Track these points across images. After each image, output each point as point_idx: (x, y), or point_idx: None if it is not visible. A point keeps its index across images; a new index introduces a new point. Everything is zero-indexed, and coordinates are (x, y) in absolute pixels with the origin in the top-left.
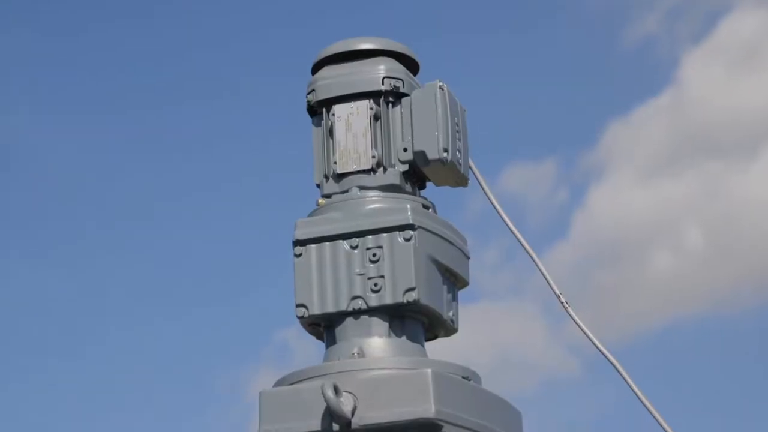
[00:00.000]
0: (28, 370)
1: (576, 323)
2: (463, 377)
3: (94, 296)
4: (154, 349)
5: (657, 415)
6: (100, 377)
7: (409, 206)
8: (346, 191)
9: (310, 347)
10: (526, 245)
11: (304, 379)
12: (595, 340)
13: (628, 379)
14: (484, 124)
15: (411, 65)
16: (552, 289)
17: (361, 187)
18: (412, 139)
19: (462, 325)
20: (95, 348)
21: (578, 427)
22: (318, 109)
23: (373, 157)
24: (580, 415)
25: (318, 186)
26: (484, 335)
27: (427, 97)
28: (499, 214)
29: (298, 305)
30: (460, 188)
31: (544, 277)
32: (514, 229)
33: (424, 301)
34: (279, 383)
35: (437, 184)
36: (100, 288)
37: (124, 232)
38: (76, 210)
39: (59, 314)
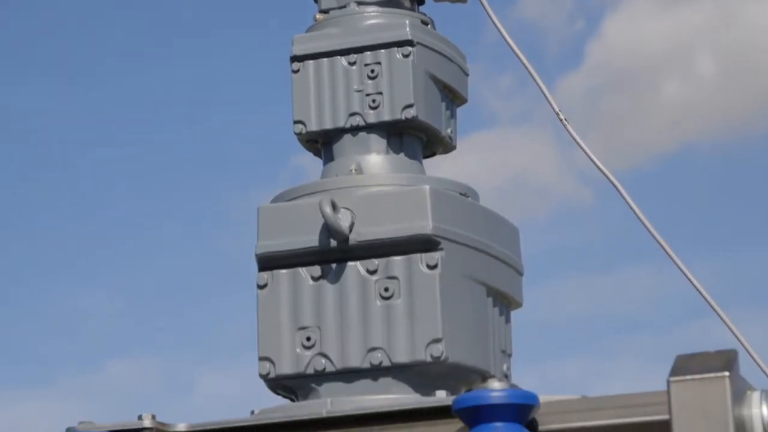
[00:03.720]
0: (24, 179)
1: (573, 139)
2: (461, 194)
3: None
4: (161, 168)
5: (656, 234)
6: (94, 194)
7: (407, 22)
8: (344, 6)
9: None
10: (519, 54)
11: (302, 195)
12: (592, 156)
13: (624, 194)
14: None
15: None
16: (551, 105)
17: (359, 2)
18: None
19: (475, 149)
20: (89, 162)
21: (586, 251)
22: None
23: None
24: (588, 241)
25: (315, 1)
26: (497, 160)
27: None
28: (490, 17)
29: (296, 122)
30: (477, 16)
31: (542, 92)
32: (506, 34)
33: (422, 117)
34: (277, 199)
35: (435, 0)
36: (105, 102)
37: (127, 51)
38: (81, 31)
39: (57, 127)
